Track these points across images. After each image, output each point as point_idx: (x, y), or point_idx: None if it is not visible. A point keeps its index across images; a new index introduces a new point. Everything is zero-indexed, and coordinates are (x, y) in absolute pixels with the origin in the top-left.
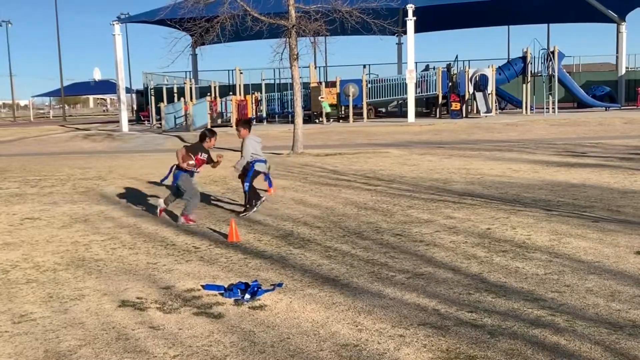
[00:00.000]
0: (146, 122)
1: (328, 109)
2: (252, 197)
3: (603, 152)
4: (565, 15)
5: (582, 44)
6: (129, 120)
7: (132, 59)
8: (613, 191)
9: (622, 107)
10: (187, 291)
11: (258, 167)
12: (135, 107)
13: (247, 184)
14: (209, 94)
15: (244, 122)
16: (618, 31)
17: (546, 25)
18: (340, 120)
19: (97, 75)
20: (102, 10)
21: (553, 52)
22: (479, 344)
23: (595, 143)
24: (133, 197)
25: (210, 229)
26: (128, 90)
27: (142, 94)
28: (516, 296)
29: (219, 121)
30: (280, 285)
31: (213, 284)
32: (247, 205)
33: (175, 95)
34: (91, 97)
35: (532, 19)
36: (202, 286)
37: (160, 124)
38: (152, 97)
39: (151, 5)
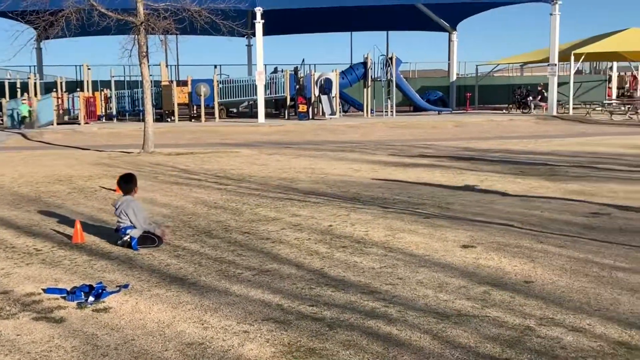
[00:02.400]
0: None
1: (25, 113)
2: None
3: (435, 153)
4: (402, 23)
5: (418, 52)
6: None
7: None
8: (443, 189)
9: (453, 111)
10: (27, 295)
11: None
12: None
13: None
14: (54, 89)
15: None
16: (450, 39)
17: (385, 32)
18: (192, 120)
19: None
20: None
21: (391, 58)
22: (318, 336)
23: (428, 144)
24: None
25: (54, 230)
26: None
27: None
28: (354, 289)
29: (66, 118)
30: (126, 286)
31: (55, 287)
32: None
33: (19, 90)
34: None
35: (372, 26)
36: (43, 290)
37: (2, 120)
38: None
39: None
